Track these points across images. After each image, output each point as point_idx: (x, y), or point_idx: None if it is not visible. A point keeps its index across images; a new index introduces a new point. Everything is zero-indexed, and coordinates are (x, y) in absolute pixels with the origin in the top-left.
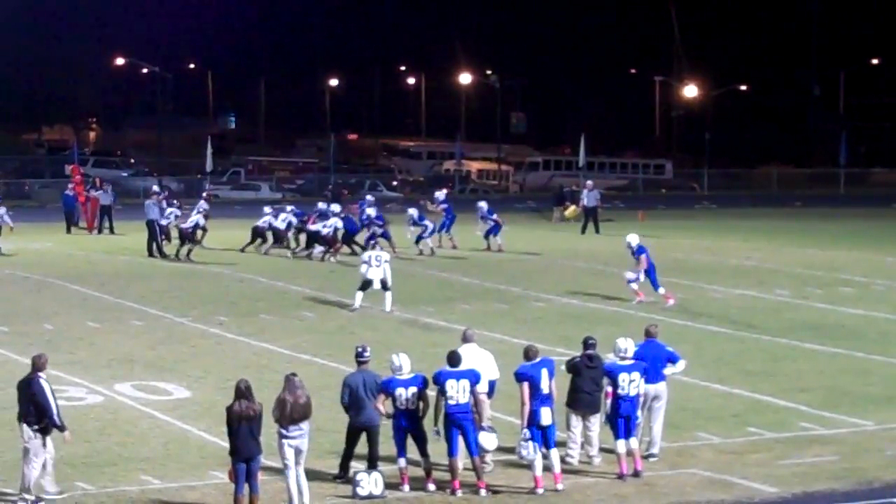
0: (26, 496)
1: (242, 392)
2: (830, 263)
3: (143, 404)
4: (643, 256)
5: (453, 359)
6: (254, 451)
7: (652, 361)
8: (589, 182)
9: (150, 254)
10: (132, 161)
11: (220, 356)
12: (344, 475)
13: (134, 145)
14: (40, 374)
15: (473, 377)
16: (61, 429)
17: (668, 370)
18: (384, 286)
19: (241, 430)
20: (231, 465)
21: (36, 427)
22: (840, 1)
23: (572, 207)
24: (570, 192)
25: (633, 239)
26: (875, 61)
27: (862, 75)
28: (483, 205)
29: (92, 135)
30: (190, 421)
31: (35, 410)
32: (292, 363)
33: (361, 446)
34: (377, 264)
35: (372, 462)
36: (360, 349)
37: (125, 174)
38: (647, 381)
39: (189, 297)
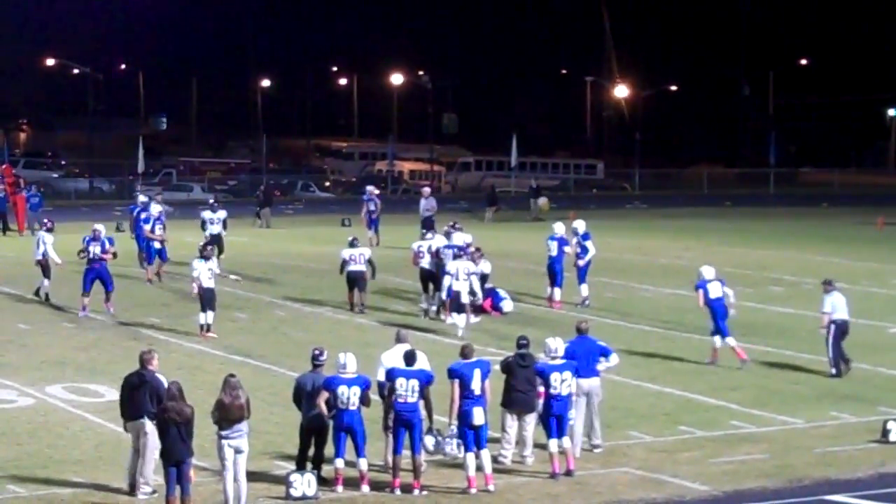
0: (145, 487)
1: (173, 395)
2: (760, 262)
3: (74, 406)
4: (590, 242)
5: (409, 358)
6: (184, 454)
7: (585, 356)
8: (426, 189)
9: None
10: (63, 162)
11: None
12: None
13: (65, 146)
14: (150, 368)
15: (424, 378)
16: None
17: (602, 365)
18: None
19: (171, 433)
20: (163, 467)
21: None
22: (769, 2)
23: (544, 200)
24: (501, 192)
25: (581, 225)
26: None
27: (791, 76)
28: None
29: (22, 136)
30: (122, 423)
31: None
32: (225, 365)
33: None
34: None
35: (316, 462)
36: (316, 352)
37: (56, 175)
38: (580, 376)
39: (121, 298)
